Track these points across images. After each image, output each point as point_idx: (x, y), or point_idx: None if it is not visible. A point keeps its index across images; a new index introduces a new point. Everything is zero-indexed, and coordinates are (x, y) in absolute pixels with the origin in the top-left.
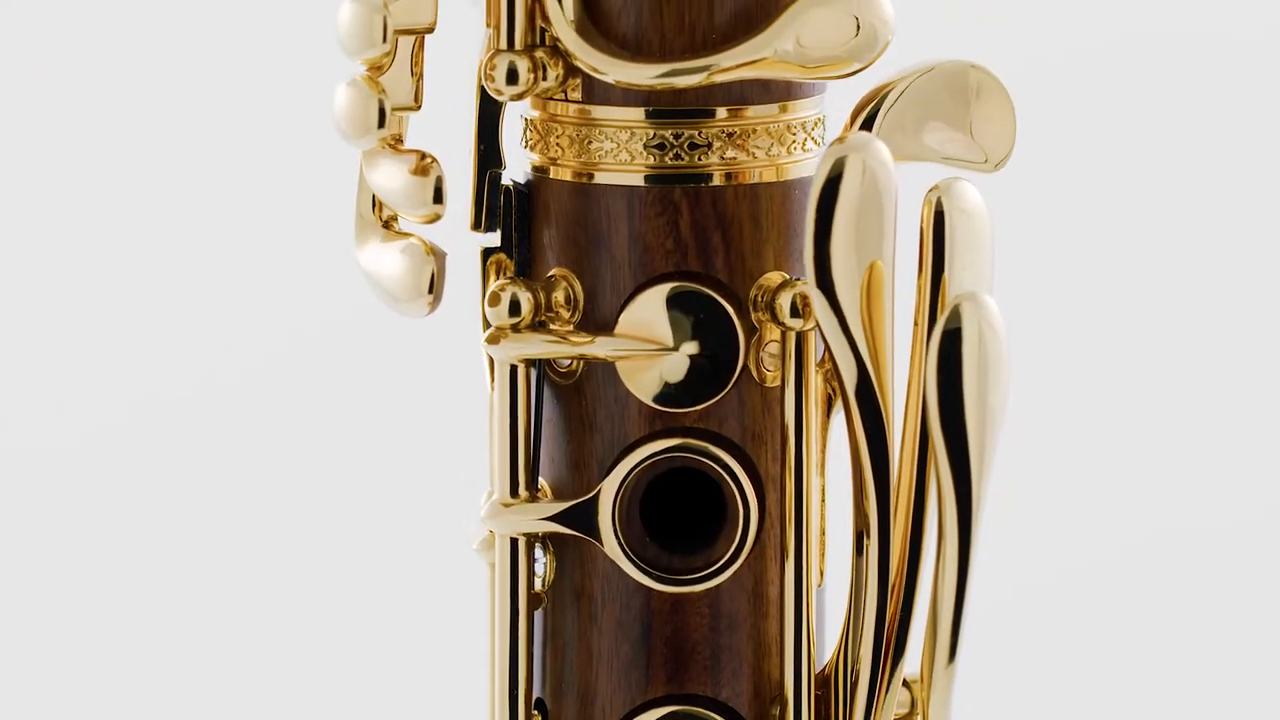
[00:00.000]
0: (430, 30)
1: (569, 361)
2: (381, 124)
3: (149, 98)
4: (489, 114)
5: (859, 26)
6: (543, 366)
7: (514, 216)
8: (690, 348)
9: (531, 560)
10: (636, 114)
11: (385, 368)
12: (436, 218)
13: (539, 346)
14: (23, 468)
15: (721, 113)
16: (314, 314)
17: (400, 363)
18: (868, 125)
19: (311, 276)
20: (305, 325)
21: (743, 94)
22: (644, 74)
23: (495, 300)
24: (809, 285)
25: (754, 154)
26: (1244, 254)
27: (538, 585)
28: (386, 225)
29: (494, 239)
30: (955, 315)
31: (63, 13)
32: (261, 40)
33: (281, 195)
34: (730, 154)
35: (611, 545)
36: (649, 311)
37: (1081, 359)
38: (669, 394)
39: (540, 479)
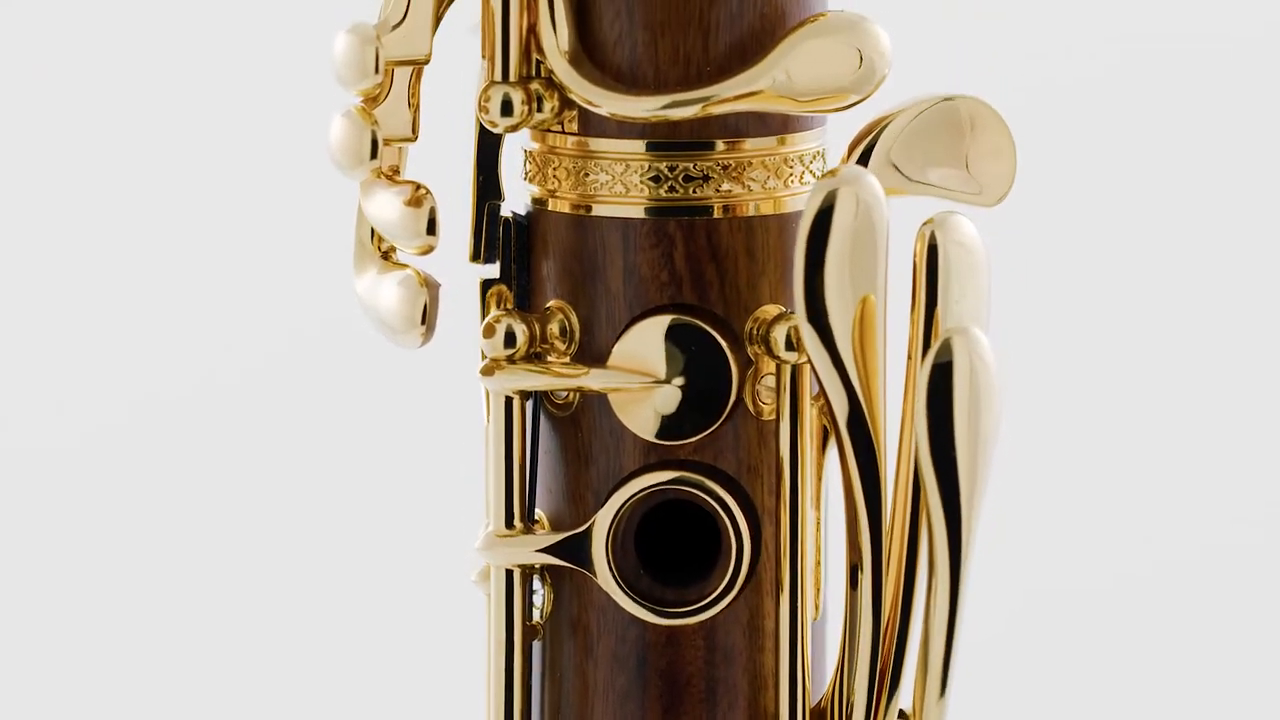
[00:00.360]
0: (426, 62)
1: (566, 393)
2: (374, 155)
3: (152, 99)
4: (488, 146)
5: (855, 59)
6: (539, 398)
7: (513, 248)
8: (682, 380)
9: (528, 592)
10: (632, 146)
11: (388, 398)
12: (430, 249)
13: (533, 379)
14: (23, 467)
15: (718, 145)
16: (315, 345)
17: (404, 392)
18: (864, 158)
19: (315, 301)
20: (307, 357)
21: (739, 127)
22: (638, 106)
23: (490, 332)
24: (799, 319)
25: (750, 187)
26: (1244, 272)
27: (536, 617)
28: (385, 256)
29: (493, 270)
30: (946, 349)
31: (65, 17)
32: (266, 42)
33: (285, 214)
34: (726, 186)
35: (605, 577)
36: (642, 344)
37: (1080, 381)
38: (662, 426)
39: (538, 510)
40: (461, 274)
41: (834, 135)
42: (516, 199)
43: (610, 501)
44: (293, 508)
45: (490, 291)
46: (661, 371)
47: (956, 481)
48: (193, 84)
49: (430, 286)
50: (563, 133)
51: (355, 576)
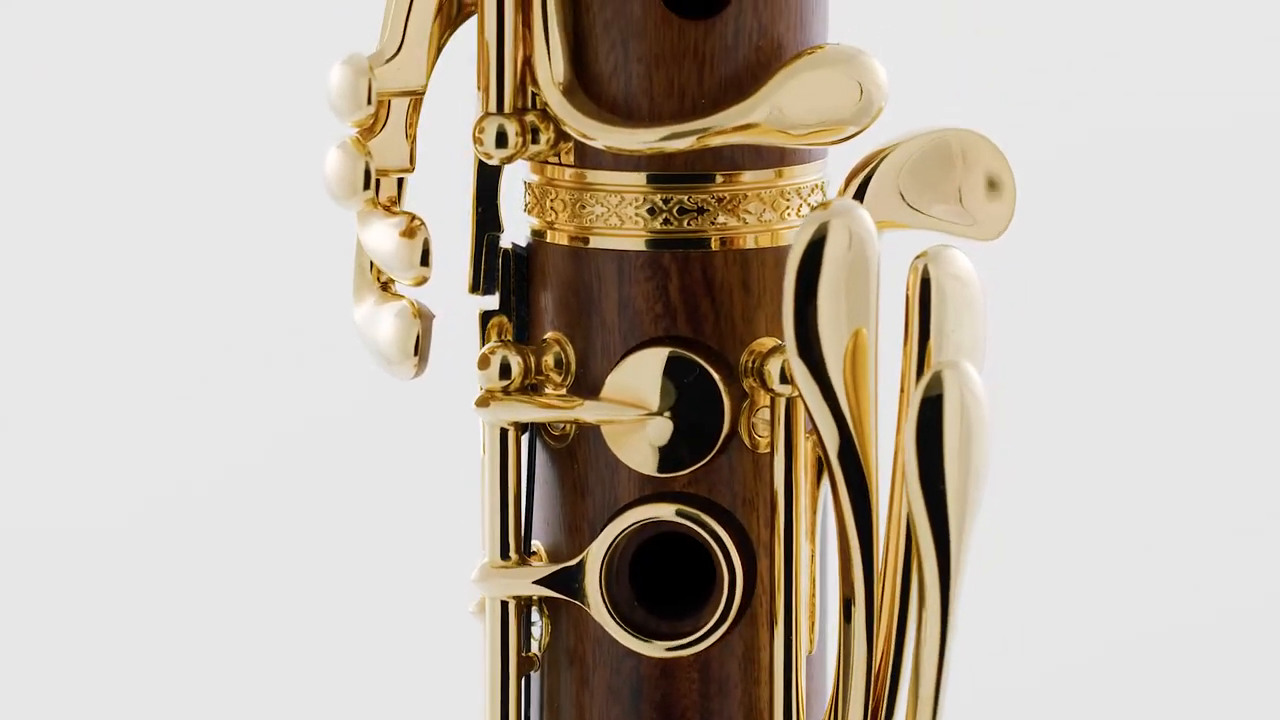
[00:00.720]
0: (421, 93)
1: (563, 425)
2: (367, 186)
3: (155, 108)
4: (487, 177)
5: (851, 92)
6: (536, 430)
7: (513, 280)
8: (675, 413)
9: (524, 624)
10: (628, 179)
11: (391, 426)
12: (423, 280)
13: (527, 410)
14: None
15: (716, 178)
16: (316, 371)
17: (407, 421)
18: (861, 191)
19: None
20: (307, 383)
21: (736, 159)
22: (633, 139)
23: (485, 363)
24: (789, 352)
25: (745, 219)
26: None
27: (534, 648)
28: (385, 286)
29: (493, 302)
30: (936, 382)
31: (66, 24)
32: (274, 63)
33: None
34: (722, 219)
35: (599, 609)
36: (635, 376)
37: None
38: (655, 459)
39: (537, 541)
40: (466, 304)
41: (835, 167)
42: (519, 230)
43: (603, 534)
44: (291, 536)
45: (491, 323)
46: (654, 404)
47: (946, 515)
48: (199, 101)
49: (424, 318)
50: (559, 164)
51: (354, 603)
